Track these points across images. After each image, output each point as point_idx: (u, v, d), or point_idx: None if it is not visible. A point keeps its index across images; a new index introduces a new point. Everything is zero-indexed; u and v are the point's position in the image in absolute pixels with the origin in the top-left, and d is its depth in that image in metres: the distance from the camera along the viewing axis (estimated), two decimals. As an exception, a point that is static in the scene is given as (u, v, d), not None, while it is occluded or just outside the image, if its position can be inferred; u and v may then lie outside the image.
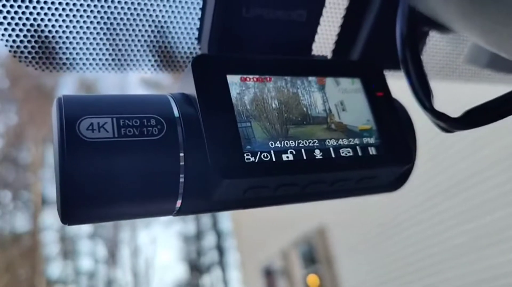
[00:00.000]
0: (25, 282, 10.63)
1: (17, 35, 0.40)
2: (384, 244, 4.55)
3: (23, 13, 0.39)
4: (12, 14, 0.38)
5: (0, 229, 10.54)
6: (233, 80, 0.37)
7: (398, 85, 0.48)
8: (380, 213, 4.41)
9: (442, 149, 3.56)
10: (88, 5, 0.41)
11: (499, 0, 0.18)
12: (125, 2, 0.42)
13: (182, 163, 0.33)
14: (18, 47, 0.41)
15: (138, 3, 0.43)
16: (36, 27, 0.40)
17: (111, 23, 0.43)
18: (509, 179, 3.24)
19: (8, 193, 11.14)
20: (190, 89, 0.36)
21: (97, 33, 0.43)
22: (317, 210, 5.14)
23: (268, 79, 0.38)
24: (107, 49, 0.45)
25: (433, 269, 3.95)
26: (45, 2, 0.39)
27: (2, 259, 10.00)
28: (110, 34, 0.44)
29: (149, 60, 0.47)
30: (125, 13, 0.43)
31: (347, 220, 4.96)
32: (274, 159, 0.35)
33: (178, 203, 0.34)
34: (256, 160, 0.34)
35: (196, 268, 14.16)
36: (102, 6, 0.42)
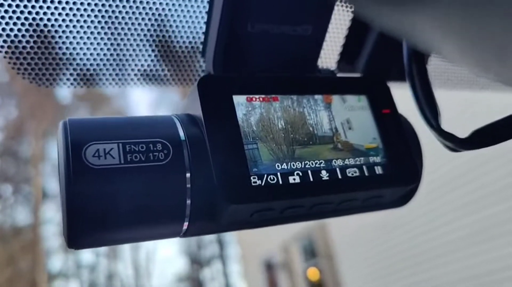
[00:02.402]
0: (26, 276, 10.67)
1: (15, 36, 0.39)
2: (384, 237, 4.56)
3: (22, 12, 0.38)
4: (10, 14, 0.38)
5: (1, 223, 10.56)
6: (239, 100, 0.36)
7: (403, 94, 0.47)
8: (380, 208, 4.41)
9: (440, 144, 3.55)
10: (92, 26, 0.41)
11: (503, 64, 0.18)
12: (129, 18, 0.42)
13: (188, 186, 0.33)
14: (9, 47, 0.40)
15: (143, 19, 0.42)
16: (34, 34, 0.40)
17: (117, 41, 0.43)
18: (506, 174, 3.24)
19: (9, 187, 11.15)
20: (196, 110, 0.36)
21: (98, 35, 0.43)
22: (317, 205, 5.14)
23: (274, 98, 0.38)
24: (107, 56, 0.44)
25: (433, 263, 3.97)
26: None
27: (3, 253, 10.03)
28: (109, 37, 0.43)
29: (153, 74, 0.47)
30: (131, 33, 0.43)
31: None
32: (280, 182, 0.34)
33: (185, 225, 0.34)
34: (263, 184, 0.34)
35: (197, 261, 14.21)
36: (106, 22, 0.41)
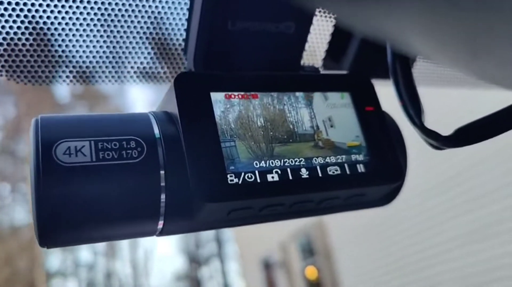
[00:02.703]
0: (24, 275, 10.66)
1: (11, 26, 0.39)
2: (382, 236, 4.56)
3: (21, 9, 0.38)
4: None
5: (-1, 222, 10.55)
6: (217, 97, 0.36)
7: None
8: (378, 206, 4.41)
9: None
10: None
11: (491, 49, 0.17)
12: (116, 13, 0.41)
13: (162, 184, 0.32)
14: (5, 50, 0.40)
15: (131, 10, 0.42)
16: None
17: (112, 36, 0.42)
18: (506, 172, 3.24)
19: (7, 186, 11.14)
20: (173, 107, 0.35)
21: (92, 33, 0.42)
22: (315, 203, 5.14)
23: (253, 96, 0.37)
24: (103, 51, 0.43)
25: (431, 261, 3.97)
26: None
27: (1, 252, 10.02)
28: (105, 32, 0.43)
29: (147, 62, 0.46)
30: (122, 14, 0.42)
31: (345, 212, 4.96)
32: (258, 180, 0.34)
33: (160, 224, 0.33)
34: (240, 182, 0.33)
35: (195, 260, 14.22)
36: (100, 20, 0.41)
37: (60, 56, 0.42)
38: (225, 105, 0.36)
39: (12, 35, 0.39)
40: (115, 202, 0.31)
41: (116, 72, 0.45)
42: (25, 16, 0.38)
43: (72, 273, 12.99)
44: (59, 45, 0.41)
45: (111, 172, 0.31)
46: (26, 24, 0.39)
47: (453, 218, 3.70)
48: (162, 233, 0.35)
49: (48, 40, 0.41)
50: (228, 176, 0.33)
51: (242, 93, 0.37)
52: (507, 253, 3.28)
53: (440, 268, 3.88)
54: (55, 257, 12.51)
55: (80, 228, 0.31)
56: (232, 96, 0.36)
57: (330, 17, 0.48)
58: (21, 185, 10.90)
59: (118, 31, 0.43)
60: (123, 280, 13.32)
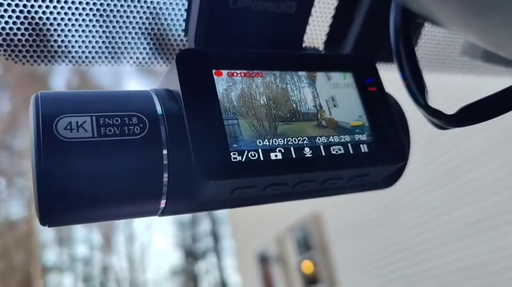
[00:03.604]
0: (20, 269, 10.65)
1: (5, 28, 0.39)
2: (378, 230, 4.57)
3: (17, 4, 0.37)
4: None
5: (-6, 216, 10.52)
6: (219, 75, 0.35)
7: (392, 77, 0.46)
8: (374, 199, 4.42)
9: (438, 134, 3.56)
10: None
11: (498, 4, 0.17)
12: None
13: (165, 162, 0.32)
14: (4, 39, 0.39)
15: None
16: (27, 16, 0.39)
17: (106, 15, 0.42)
18: (505, 164, 3.25)
19: (3, 180, 11.11)
20: (174, 85, 0.34)
21: (91, 24, 0.42)
22: (311, 197, 5.14)
23: (256, 74, 0.37)
24: (101, 39, 0.43)
25: (428, 255, 3.98)
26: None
27: (-3, 246, 10.00)
28: (105, 22, 0.42)
29: (144, 48, 0.46)
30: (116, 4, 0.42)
31: (341, 206, 4.98)
32: (262, 158, 0.33)
33: (162, 203, 0.33)
34: (243, 160, 0.33)
35: (191, 255, 14.24)
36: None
37: (59, 46, 0.42)
38: (227, 83, 0.35)
39: (7, 30, 0.39)
40: (117, 179, 0.31)
41: (111, 61, 0.45)
42: (22, 11, 0.38)
43: (69, 267, 13.00)
44: (55, 40, 0.41)
45: (113, 148, 0.30)
46: (23, 20, 0.38)
47: (447, 213, 3.72)
48: (164, 212, 0.34)
49: (45, 34, 0.40)
50: (231, 153, 0.32)
51: (245, 71, 0.36)
52: (501, 247, 3.30)
53: (436, 262, 3.89)
54: (51, 252, 12.51)
55: (81, 206, 0.30)
56: (235, 74, 0.36)
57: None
58: (17, 180, 10.88)
59: (114, 25, 0.42)
60: (120, 275, 13.33)
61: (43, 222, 0.31)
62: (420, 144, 3.50)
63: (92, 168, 0.30)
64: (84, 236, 13.20)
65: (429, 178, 3.80)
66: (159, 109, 0.33)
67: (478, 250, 3.49)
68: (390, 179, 0.41)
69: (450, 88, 2.89)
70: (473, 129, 3.35)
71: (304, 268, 6.03)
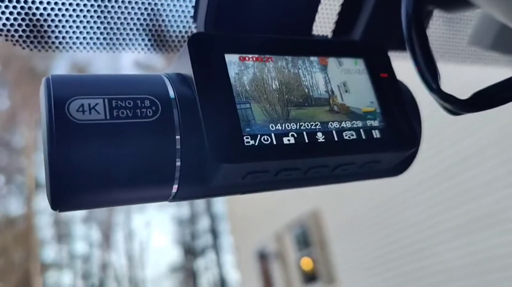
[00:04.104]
0: (19, 266, 10.65)
1: (5, 12, 0.38)
2: (377, 227, 4.58)
3: None
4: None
5: (-7, 213, 10.52)
6: (231, 59, 0.35)
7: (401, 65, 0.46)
8: (373, 196, 4.42)
9: (436, 132, 3.56)
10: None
11: None
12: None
13: (178, 147, 0.32)
14: (4, 24, 0.39)
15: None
16: (27, 4, 0.38)
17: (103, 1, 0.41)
18: (503, 162, 3.25)
19: (2, 177, 11.09)
20: (187, 69, 0.34)
21: (90, 11, 0.41)
22: (310, 193, 5.14)
23: (268, 59, 0.36)
24: (98, 28, 0.43)
25: (427, 252, 3.99)
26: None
27: (-4, 243, 10.00)
28: (102, 12, 0.42)
29: (143, 39, 0.46)
30: None
31: (340, 203, 4.98)
32: (274, 143, 0.33)
33: (174, 188, 0.33)
34: (256, 144, 0.32)
35: (190, 251, 14.24)
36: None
37: (54, 43, 0.41)
38: (239, 67, 0.35)
39: (8, 27, 0.38)
40: (130, 162, 0.30)
41: (113, 47, 0.44)
42: (23, 7, 0.38)
43: (68, 264, 13.00)
44: (56, 36, 0.41)
45: (126, 130, 0.30)
46: (17, 9, 0.38)
47: (446, 211, 3.72)
48: (175, 198, 0.34)
49: (45, 31, 0.40)
50: (244, 137, 0.32)
51: (257, 55, 0.36)
52: (499, 245, 3.31)
53: (435, 259, 3.90)
54: (50, 249, 12.50)
55: (93, 189, 0.30)
56: (247, 58, 0.35)
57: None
58: (16, 177, 10.87)
59: (112, 17, 0.42)
60: (119, 272, 13.33)
61: (54, 206, 0.30)
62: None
63: (105, 151, 0.29)
64: (83, 233, 13.21)
65: (428, 175, 3.80)
66: (171, 92, 0.33)
67: (477, 248, 3.49)
68: (401, 165, 0.41)
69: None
70: (472, 127, 3.35)
71: (303, 265, 6.03)
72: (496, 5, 0.20)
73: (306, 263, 5.96)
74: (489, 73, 0.55)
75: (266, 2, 0.38)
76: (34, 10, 0.39)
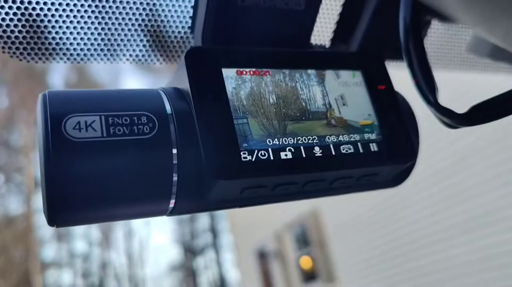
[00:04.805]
0: (19, 265, 10.65)
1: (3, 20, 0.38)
2: (376, 226, 4.58)
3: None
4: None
5: (-7, 212, 10.52)
6: (228, 73, 0.35)
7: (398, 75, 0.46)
8: (372, 196, 4.43)
9: (433, 132, 3.56)
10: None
11: None
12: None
13: (175, 162, 0.32)
14: (1, 36, 0.39)
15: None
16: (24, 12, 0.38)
17: (103, 9, 0.41)
18: (501, 161, 3.25)
19: (1, 176, 11.09)
20: (184, 83, 0.34)
21: (88, 21, 0.41)
22: (310, 193, 5.14)
23: (265, 72, 0.36)
24: (99, 34, 0.43)
25: (425, 251, 3.99)
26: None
27: (-5, 242, 10.00)
28: (100, 23, 0.42)
29: (143, 46, 0.45)
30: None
31: (340, 202, 4.98)
32: (272, 158, 0.33)
33: (172, 203, 0.33)
34: (253, 159, 0.32)
35: (190, 250, 14.25)
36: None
37: (56, 43, 0.41)
38: (236, 82, 0.35)
39: (7, 22, 0.38)
40: (127, 179, 0.30)
41: (109, 59, 0.44)
42: (20, 7, 0.37)
43: (67, 263, 13.01)
44: (53, 37, 0.41)
45: (123, 147, 0.30)
46: (20, 16, 0.38)
47: (445, 209, 3.73)
48: (173, 212, 0.34)
49: (42, 31, 0.40)
50: (241, 153, 0.32)
51: (254, 69, 0.36)
52: (497, 243, 3.31)
53: (433, 258, 3.90)
54: (49, 248, 12.51)
55: (89, 206, 0.30)
56: (244, 72, 0.35)
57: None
58: (15, 176, 10.87)
59: (113, 21, 0.42)
60: (118, 270, 13.34)
61: (51, 223, 0.30)
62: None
63: (101, 169, 0.29)
64: (83, 232, 13.21)
65: (426, 174, 3.80)
66: (168, 108, 0.33)
67: (475, 246, 3.50)
68: (399, 177, 0.41)
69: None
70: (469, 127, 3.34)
71: (303, 264, 6.04)
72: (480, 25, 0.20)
73: (306, 262, 5.97)
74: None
75: (263, 14, 0.38)
76: (31, 22, 0.39)
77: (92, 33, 0.42)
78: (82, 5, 0.40)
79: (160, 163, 0.31)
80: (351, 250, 5.07)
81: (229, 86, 0.34)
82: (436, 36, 0.57)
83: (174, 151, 0.32)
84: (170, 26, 0.44)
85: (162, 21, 0.44)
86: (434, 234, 3.86)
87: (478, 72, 0.62)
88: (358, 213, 4.77)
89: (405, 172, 0.41)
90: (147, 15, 0.43)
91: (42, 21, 0.39)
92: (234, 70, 0.35)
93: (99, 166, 0.29)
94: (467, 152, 3.50)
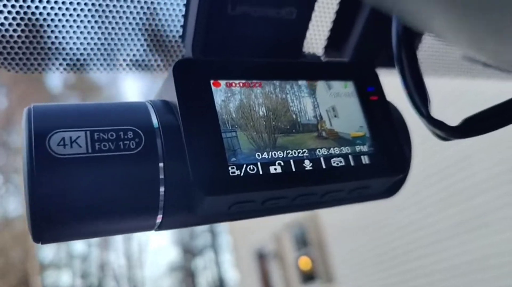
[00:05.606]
0: (18, 266, 10.64)
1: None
2: (374, 227, 4.58)
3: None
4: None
5: (-9, 213, 10.50)
6: (217, 86, 0.34)
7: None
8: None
9: (430, 134, 3.56)
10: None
11: (488, 12, 0.16)
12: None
13: (161, 177, 0.31)
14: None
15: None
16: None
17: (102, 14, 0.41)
18: (495, 163, 3.26)
19: (0, 177, 11.07)
20: (171, 96, 0.33)
21: (89, 23, 0.41)
22: (309, 194, 5.14)
23: (255, 84, 0.36)
24: (99, 39, 0.42)
25: (422, 252, 3.99)
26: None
27: (-6, 243, 9.99)
28: (102, 23, 0.41)
29: (143, 50, 0.45)
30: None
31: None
32: (261, 172, 0.32)
33: (159, 218, 0.32)
34: (242, 174, 0.32)
35: (189, 251, 14.24)
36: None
37: (53, 44, 0.41)
38: (225, 94, 0.34)
39: (3, 26, 0.38)
40: (112, 196, 0.30)
41: (109, 61, 0.44)
42: (17, 6, 0.37)
43: (66, 264, 12.99)
44: (50, 37, 0.40)
45: (108, 164, 0.29)
46: (17, 15, 0.37)
47: (443, 210, 3.73)
48: (161, 227, 0.33)
49: (39, 31, 0.39)
50: (230, 168, 0.32)
51: (244, 81, 0.35)
52: (492, 244, 3.32)
53: (429, 259, 3.90)
54: (48, 249, 12.48)
55: (75, 223, 0.30)
56: (233, 84, 0.35)
57: (332, 3, 0.46)
58: (14, 177, 10.84)
59: (110, 22, 0.41)
60: (117, 271, 13.33)
61: (36, 240, 0.30)
62: (413, 144, 3.50)
63: (87, 185, 0.29)
64: (82, 232, 13.16)
65: (422, 177, 3.80)
66: (155, 122, 0.32)
67: (471, 247, 3.50)
68: (391, 189, 0.40)
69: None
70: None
71: (302, 265, 6.03)
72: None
73: (305, 263, 5.96)
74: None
75: (255, 24, 0.38)
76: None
77: (91, 38, 0.41)
78: (82, 10, 0.39)
79: (146, 178, 0.31)
80: (350, 251, 5.07)
81: (218, 98, 0.34)
82: (430, 42, 0.57)
83: (161, 165, 0.31)
84: (171, 31, 0.44)
85: (162, 25, 0.44)
86: (430, 235, 3.87)
87: (475, 79, 0.61)
88: (357, 214, 4.76)
89: (398, 183, 0.40)
90: (147, 19, 0.42)
91: (37, 25, 0.39)
92: (224, 82, 0.34)
93: (84, 183, 0.29)
94: (461, 154, 3.50)
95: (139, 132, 0.31)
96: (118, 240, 13.30)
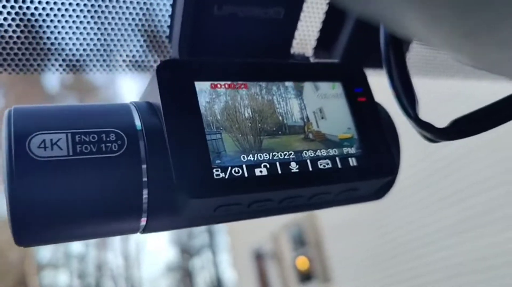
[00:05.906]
0: (15, 266, 10.62)
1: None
2: (372, 227, 4.58)
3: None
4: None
5: (-12, 213, 10.49)
6: (202, 87, 0.34)
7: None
8: (369, 197, 4.43)
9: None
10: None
11: (491, 24, 0.16)
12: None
13: (145, 179, 0.31)
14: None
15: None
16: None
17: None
18: (494, 162, 3.26)
19: None
20: (155, 98, 0.33)
21: (88, 24, 0.41)
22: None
23: (240, 85, 0.35)
24: (95, 35, 0.42)
25: (419, 252, 4.00)
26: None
27: (-9, 244, 9.97)
28: (100, 21, 0.41)
29: (140, 46, 0.45)
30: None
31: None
32: (246, 175, 0.32)
33: (143, 221, 0.32)
34: (226, 176, 0.31)
35: (187, 251, 14.23)
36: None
37: (51, 44, 0.41)
38: (210, 95, 0.34)
39: (1, 27, 0.37)
40: (94, 199, 0.29)
41: (105, 61, 0.44)
42: (15, 7, 0.37)
43: (64, 264, 12.97)
44: (48, 37, 0.40)
45: (90, 166, 0.29)
46: (14, 16, 0.37)
47: (438, 211, 3.73)
48: (146, 230, 0.33)
49: (37, 31, 0.39)
50: (214, 170, 0.31)
51: (229, 82, 0.35)
52: (488, 244, 3.32)
53: (428, 258, 3.91)
54: (46, 249, 12.46)
55: (57, 226, 0.29)
56: (218, 85, 0.34)
57: (321, 3, 0.46)
58: (11, 177, 10.81)
59: (108, 22, 0.41)
60: (115, 271, 13.32)
61: (18, 243, 0.29)
62: (412, 142, 3.50)
63: (68, 188, 0.28)
64: (79, 233, 13.15)
65: (420, 177, 3.81)
66: (138, 124, 0.32)
67: (468, 247, 3.51)
68: (379, 191, 0.40)
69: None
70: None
71: (299, 264, 6.03)
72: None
73: (302, 263, 5.96)
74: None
75: (241, 24, 0.37)
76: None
77: (90, 38, 0.41)
78: (79, 10, 0.39)
79: (129, 181, 0.30)
80: (347, 250, 5.07)
81: (203, 100, 0.33)
82: (421, 44, 0.57)
83: (144, 168, 0.31)
84: (164, 31, 0.44)
85: (160, 25, 0.43)
86: (428, 235, 3.87)
87: (463, 79, 0.61)
88: (354, 214, 4.76)
89: (387, 186, 0.40)
90: (145, 19, 0.42)
91: (34, 25, 0.39)
92: (208, 83, 0.34)
93: (65, 186, 0.28)
94: (459, 154, 3.51)
95: (122, 134, 0.31)
96: (115, 240, 13.28)
